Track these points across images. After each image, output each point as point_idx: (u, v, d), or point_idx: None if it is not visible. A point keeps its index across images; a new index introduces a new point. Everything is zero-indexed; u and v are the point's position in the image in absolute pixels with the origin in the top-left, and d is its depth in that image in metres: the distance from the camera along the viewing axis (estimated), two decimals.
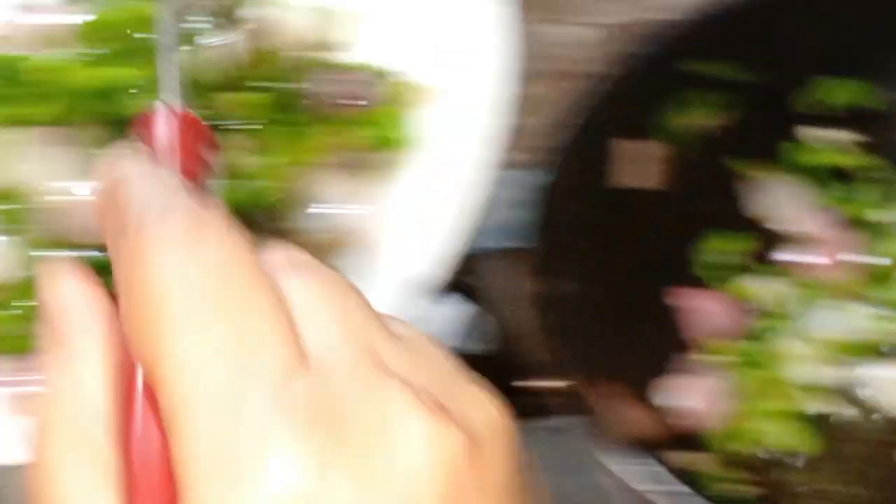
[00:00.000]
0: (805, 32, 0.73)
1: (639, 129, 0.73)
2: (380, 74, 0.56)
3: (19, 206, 0.49)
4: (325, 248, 0.51)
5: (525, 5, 0.82)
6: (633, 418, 0.67)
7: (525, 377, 0.62)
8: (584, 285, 0.67)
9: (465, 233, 0.51)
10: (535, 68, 0.83)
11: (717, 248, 0.75)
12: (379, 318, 0.31)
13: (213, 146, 0.36)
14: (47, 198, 0.48)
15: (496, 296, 0.66)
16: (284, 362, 0.28)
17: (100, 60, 0.51)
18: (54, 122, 0.49)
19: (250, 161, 0.52)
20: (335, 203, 0.53)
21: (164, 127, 0.35)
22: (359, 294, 0.31)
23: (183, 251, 0.28)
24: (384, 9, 0.59)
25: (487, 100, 0.54)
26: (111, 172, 0.32)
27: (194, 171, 0.35)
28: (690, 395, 0.70)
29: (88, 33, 0.51)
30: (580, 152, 0.69)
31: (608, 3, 0.83)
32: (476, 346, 0.66)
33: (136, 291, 0.28)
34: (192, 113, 0.37)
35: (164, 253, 0.28)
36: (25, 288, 0.49)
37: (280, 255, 0.31)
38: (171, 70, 0.38)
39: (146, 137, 0.35)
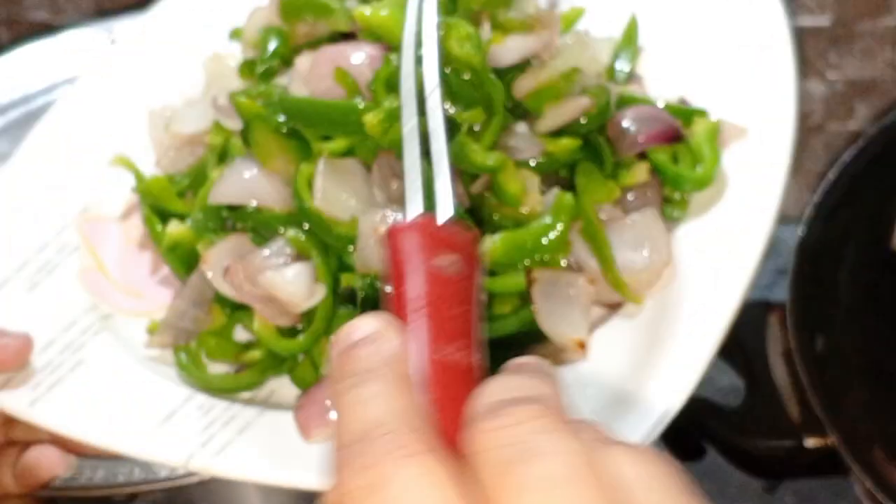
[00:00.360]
0: None
1: None
2: (684, 112, 0.54)
3: (326, 234, 0.51)
4: (622, 287, 0.50)
5: None
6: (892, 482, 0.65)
7: (776, 436, 0.62)
8: (842, 345, 0.66)
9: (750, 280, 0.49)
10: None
11: None
12: None
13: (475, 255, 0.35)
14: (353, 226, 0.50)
15: (748, 348, 0.66)
16: None
17: None
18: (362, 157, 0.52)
19: (550, 199, 0.51)
20: (633, 244, 0.51)
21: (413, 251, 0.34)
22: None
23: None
24: (673, 43, 0.58)
25: (779, 144, 0.52)
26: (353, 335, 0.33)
27: (456, 326, 0.34)
28: None
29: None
30: (841, 209, 0.68)
31: (839, 57, 0.82)
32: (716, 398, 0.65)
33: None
34: (454, 223, 0.36)
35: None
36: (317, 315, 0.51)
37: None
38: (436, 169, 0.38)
39: (393, 255, 0.35)
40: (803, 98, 0.88)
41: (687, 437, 0.62)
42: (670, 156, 0.53)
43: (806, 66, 0.83)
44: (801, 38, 0.82)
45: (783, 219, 0.66)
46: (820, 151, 0.84)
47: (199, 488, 0.64)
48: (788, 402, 0.62)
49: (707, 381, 0.76)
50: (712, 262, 0.50)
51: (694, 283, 0.49)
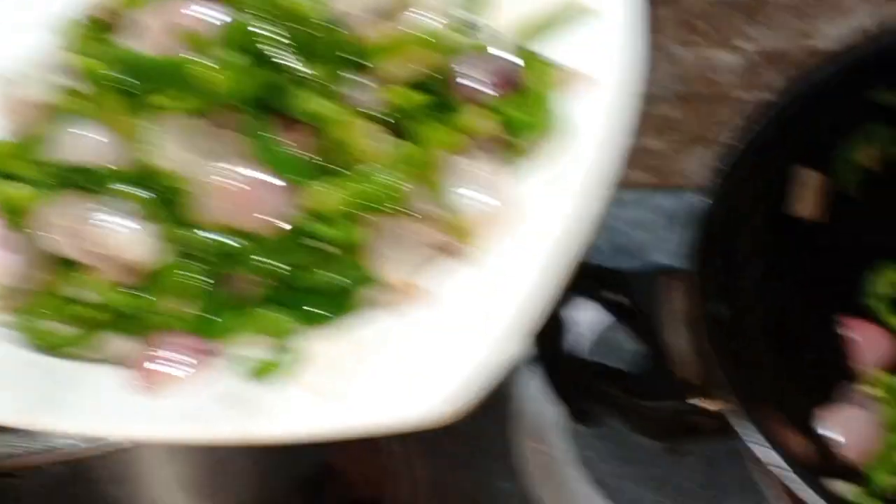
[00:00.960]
0: None
1: (812, 159, 0.72)
2: (525, 57, 0.55)
3: (164, 189, 0.51)
4: (462, 233, 0.50)
5: (665, 28, 0.82)
6: (791, 445, 0.65)
7: (678, 400, 0.62)
8: (743, 310, 0.66)
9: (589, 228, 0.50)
10: (681, 91, 0.83)
11: (889, 280, 0.74)
12: None
13: None
14: (193, 181, 0.51)
15: (649, 315, 0.66)
16: None
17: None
18: (204, 112, 0.52)
19: (390, 148, 0.52)
20: (473, 189, 0.51)
21: None
22: None
23: None
24: None
25: (622, 93, 0.53)
26: None
27: None
28: (848, 426, 0.69)
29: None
30: (746, 177, 0.68)
31: (753, 28, 0.82)
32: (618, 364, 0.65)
33: None
34: None
35: None
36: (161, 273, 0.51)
37: None
38: None
39: None
40: (716, 68, 0.89)
41: (588, 402, 0.62)
42: (511, 102, 0.53)
43: (720, 36, 0.84)
44: (716, 8, 0.82)
45: (690, 187, 0.67)
46: (733, 121, 0.84)
47: (101, 460, 0.64)
48: (690, 367, 0.62)
49: (609, 348, 0.78)
50: (553, 208, 0.50)
51: (535, 230, 0.49)
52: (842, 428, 0.69)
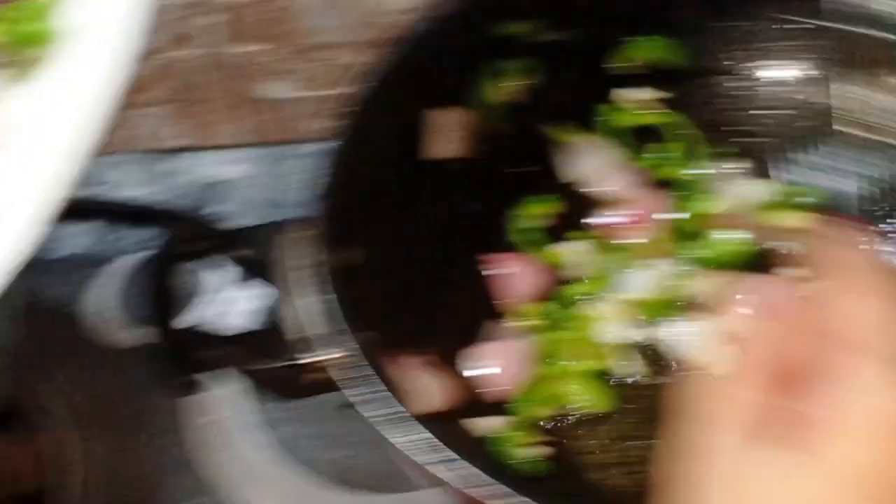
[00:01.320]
0: None
1: (444, 97, 0.71)
2: None
3: None
4: None
5: None
6: (436, 387, 0.65)
7: (303, 353, 0.61)
8: (382, 255, 0.66)
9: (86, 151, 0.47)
10: (352, 37, 0.81)
11: (530, 214, 0.74)
12: None
13: None
14: None
15: (277, 268, 0.64)
16: None
17: None
18: None
19: None
20: None
21: None
22: None
23: None
24: None
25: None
26: None
27: None
28: (496, 361, 0.69)
29: None
30: (372, 122, 0.67)
31: None
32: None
33: None
34: None
35: None
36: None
37: None
38: None
39: None
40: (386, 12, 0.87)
41: (204, 369, 0.60)
42: (14, 11, 0.50)
43: None
44: None
45: (318, 137, 0.66)
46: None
47: None
48: (315, 319, 0.60)
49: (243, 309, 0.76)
50: (50, 125, 0.48)
51: (31, 145, 0.47)
52: (490, 365, 0.69)
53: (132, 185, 0.91)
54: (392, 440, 0.54)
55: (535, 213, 0.74)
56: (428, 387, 0.65)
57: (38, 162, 0.47)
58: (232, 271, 0.65)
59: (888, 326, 0.43)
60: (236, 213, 0.90)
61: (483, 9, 0.71)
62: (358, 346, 0.59)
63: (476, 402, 0.68)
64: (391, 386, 0.58)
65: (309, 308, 0.60)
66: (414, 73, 0.70)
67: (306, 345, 0.61)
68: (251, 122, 0.90)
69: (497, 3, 0.72)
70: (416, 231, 0.70)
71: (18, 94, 0.49)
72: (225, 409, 0.76)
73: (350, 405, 0.57)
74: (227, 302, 0.78)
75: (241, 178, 0.91)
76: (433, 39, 0.70)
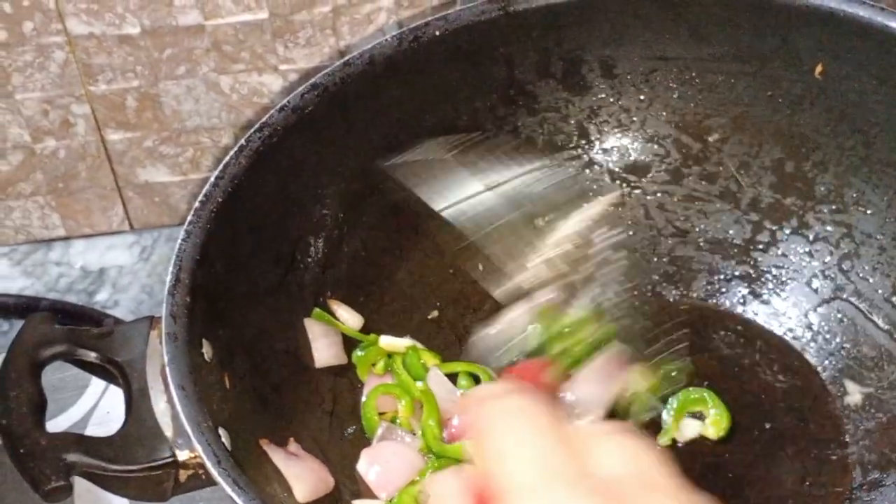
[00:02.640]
0: None
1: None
2: None
3: None
4: None
5: (214, 56, 0.80)
6: (306, 475, 0.67)
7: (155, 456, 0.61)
8: (223, 349, 0.66)
9: None
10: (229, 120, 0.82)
11: None
12: None
13: None
14: None
15: (128, 370, 0.64)
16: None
17: None
18: None
19: None
20: None
21: None
22: None
23: None
24: None
25: None
26: None
27: None
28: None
29: None
30: (222, 216, 0.68)
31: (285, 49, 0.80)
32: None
33: None
34: None
35: None
36: None
37: None
38: None
39: None
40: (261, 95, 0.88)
41: (61, 478, 0.59)
42: None
43: (261, 60, 0.83)
44: (245, 33, 0.81)
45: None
46: None
47: None
48: (164, 419, 0.60)
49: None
50: None
51: None
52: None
53: (2, 278, 0.90)
54: None
55: None
56: (298, 476, 0.66)
57: None
58: (101, 372, 0.64)
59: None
60: (110, 303, 0.90)
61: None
62: (220, 442, 0.59)
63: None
64: (257, 480, 0.58)
65: (167, 407, 0.61)
66: (279, 162, 0.71)
67: (169, 444, 0.60)
68: (129, 209, 0.90)
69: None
70: (264, 319, 0.71)
71: None
72: None
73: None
74: (93, 397, 0.78)
75: (115, 267, 0.91)
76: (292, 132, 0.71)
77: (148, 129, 0.86)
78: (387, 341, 0.74)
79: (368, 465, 0.69)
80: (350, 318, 0.75)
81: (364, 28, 0.81)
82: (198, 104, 0.85)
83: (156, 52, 0.81)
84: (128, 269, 0.91)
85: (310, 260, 0.74)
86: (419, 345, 0.74)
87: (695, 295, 0.80)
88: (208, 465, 0.57)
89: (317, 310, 0.73)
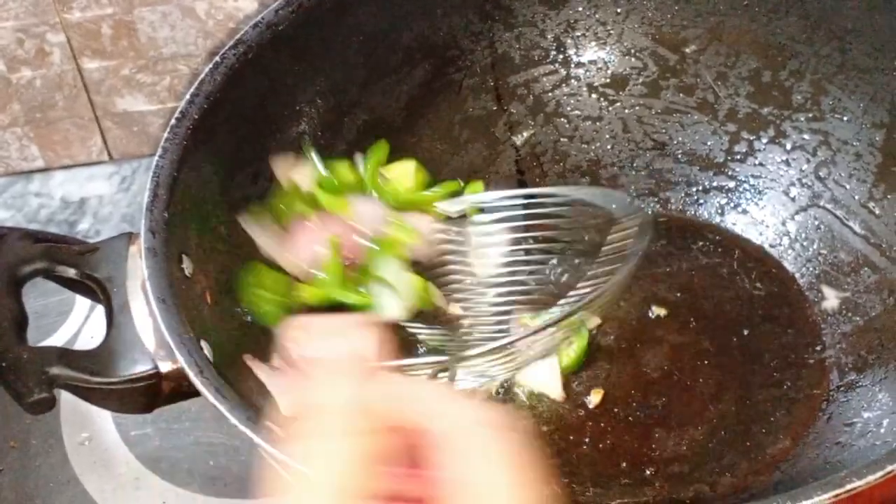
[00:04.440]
0: None
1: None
2: None
3: None
4: None
5: None
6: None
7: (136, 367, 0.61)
8: (202, 265, 0.66)
9: None
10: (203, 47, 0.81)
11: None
12: None
13: None
14: None
15: (109, 285, 0.64)
16: None
17: None
18: None
19: None
20: None
21: None
22: None
23: None
24: None
25: None
26: None
27: None
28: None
29: None
30: (198, 133, 0.67)
31: None
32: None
33: None
34: None
35: None
36: None
37: None
38: None
39: None
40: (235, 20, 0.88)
41: (48, 389, 0.59)
42: None
43: None
44: None
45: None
46: None
47: None
48: (146, 332, 0.60)
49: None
50: None
51: None
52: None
53: None
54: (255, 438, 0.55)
55: None
56: (282, 389, 0.66)
57: None
58: (81, 289, 0.64)
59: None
60: (91, 232, 0.90)
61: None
62: (201, 352, 0.59)
63: None
64: (241, 392, 0.59)
65: (149, 321, 0.61)
66: (255, 79, 0.71)
67: (151, 356, 0.61)
68: (102, 140, 0.90)
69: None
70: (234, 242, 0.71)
71: None
72: (91, 428, 0.76)
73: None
74: (78, 322, 0.78)
75: (95, 197, 0.91)
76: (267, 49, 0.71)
77: (124, 58, 0.86)
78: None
79: None
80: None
81: None
82: (173, 31, 0.85)
83: None
84: (108, 198, 0.91)
85: None
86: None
87: (673, 207, 0.80)
88: (190, 374, 0.57)
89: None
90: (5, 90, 0.86)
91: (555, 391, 0.72)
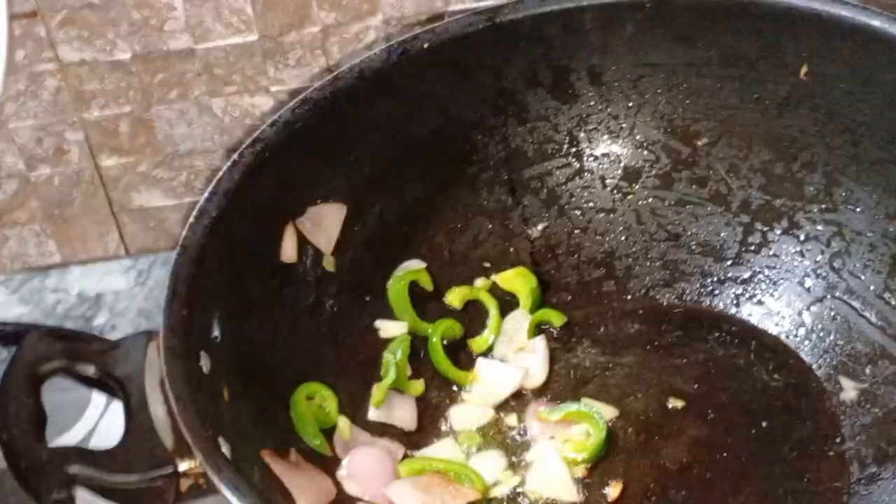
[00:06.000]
0: None
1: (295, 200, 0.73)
2: None
3: None
4: None
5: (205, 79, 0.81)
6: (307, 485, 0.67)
7: (154, 467, 0.61)
8: (224, 362, 0.66)
9: None
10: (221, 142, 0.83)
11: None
12: None
13: None
14: None
15: (127, 383, 0.65)
16: None
17: None
18: None
19: None
20: None
21: None
22: None
23: None
24: None
25: None
26: None
27: None
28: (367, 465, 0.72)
29: None
30: (217, 230, 0.68)
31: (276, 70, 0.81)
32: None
33: None
34: None
35: None
36: None
37: None
38: None
39: None
40: (252, 116, 0.89)
41: (66, 489, 0.59)
42: None
43: (251, 82, 0.83)
44: (235, 55, 0.82)
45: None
46: None
47: None
48: (164, 431, 0.60)
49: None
50: None
51: None
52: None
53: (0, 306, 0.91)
54: None
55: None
56: (300, 487, 0.66)
57: None
58: (100, 386, 0.65)
59: None
60: (108, 328, 0.90)
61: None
62: (220, 450, 0.59)
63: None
64: (259, 489, 0.59)
65: (167, 418, 0.61)
66: (272, 176, 0.72)
67: (169, 455, 0.61)
68: (124, 234, 0.91)
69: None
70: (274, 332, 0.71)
71: None
72: None
73: None
74: (94, 417, 0.78)
75: (111, 292, 0.91)
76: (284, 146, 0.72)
77: (142, 154, 0.87)
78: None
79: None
80: None
81: (353, 47, 0.82)
82: (190, 128, 0.86)
83: (147, 77, 0.82)
84: (124, 293, 0.91)
85: (305, 272, 0.74)
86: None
87: (688, 298, 0.81)
88: (209, 472, 0.57)
89: None
90: (24, 188, 0.87)
91: (569, 494, 0.71)
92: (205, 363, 0.64)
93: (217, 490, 0.58)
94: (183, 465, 0.60)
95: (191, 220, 0.67)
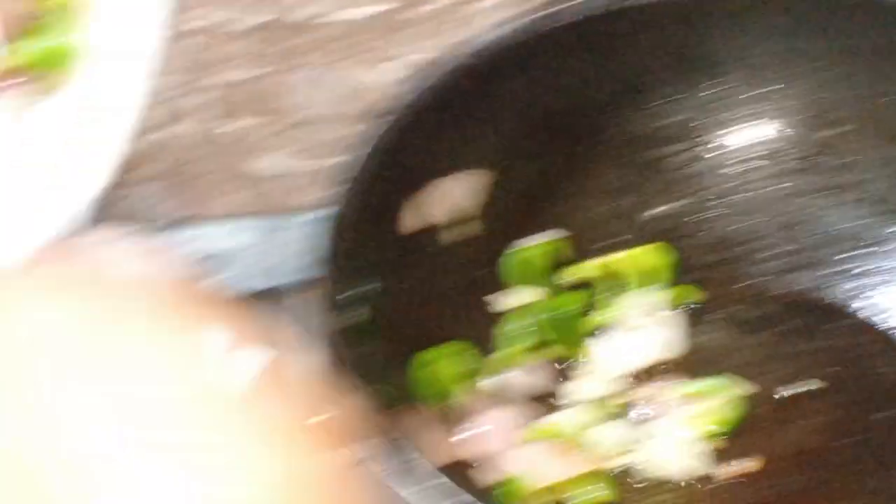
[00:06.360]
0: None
1: (438, 164, 0.74)
2: None
3: None
4: None
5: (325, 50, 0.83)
6: (434, 445, 0.67)
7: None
8: (379, 319, 0.68)
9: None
10: (342, 111, 0.84)
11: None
12: None
13: None
14: None
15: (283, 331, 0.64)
16: None
17: None
18: None
19: None
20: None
21: None
22: None
23: None
24: None
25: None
26: None
27: None
28: (490, 428, 0.72)
29: None
30: (366, 186, 0.69)
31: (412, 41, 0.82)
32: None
33: None
34: None
35: None
36: None
37: None
38: None
39: None
40: (373, 87, 0.90)
41: None
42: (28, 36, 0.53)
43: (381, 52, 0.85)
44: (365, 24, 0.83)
45: (313, 207, 0.68)
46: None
47: None
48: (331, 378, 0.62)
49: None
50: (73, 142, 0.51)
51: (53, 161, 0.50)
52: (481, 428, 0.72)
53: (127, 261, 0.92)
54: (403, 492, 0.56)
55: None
56: (431, 442, 0.67)
57: (62, 178, 0.48)
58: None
59: None
60: (233, 284, 0.92)
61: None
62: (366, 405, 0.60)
63: (468, 464, 0.70)
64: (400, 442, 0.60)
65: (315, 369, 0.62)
66: (407, 143, 0.73)
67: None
68: (244, 196, 0.92)
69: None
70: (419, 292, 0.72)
71: (40, 110, 0.51)
72: None
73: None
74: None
75: (238, 250, 0.93)
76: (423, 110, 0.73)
77: (271, 117, 0.88)
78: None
79: None
80: None
81: (481, 22, 0.83)
82: (314, 94, 0.87)
83: (271, 47, 0.84)
84: (248, 251, 0.92)
85: (449, 234, 0.76)
86: None
87: (805, 287, 0.81)
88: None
89: None
90: (155, 145, 0.88)
91: (694, 469, 0.72)
92: (351, 316, 0.65)
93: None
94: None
95: (342, 176, 0.69)
